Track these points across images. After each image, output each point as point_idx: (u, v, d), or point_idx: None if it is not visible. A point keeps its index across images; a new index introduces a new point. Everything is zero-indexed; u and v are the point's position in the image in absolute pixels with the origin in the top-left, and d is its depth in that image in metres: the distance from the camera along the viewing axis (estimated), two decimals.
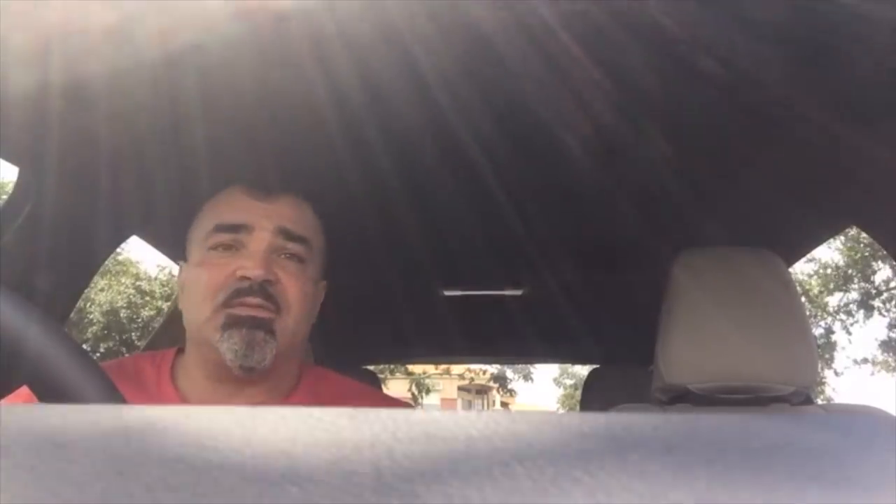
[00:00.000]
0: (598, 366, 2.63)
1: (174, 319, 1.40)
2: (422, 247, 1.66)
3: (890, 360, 13.39)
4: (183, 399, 0.86)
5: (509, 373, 23.15)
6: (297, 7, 0.77)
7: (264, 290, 0.81)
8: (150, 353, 0.94)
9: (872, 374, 13.94)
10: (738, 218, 1.51)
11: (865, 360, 13.64)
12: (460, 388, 24.30)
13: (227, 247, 0.84)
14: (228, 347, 0.80)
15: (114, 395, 0.47)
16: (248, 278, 0.80)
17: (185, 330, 0.88)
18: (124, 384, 0.50)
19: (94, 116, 0.97)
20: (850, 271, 12.56)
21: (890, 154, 1.07)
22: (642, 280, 1.85)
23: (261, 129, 1.09)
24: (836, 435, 0.28)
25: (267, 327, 0.80)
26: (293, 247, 0.85)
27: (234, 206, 0.87)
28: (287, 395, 0.89)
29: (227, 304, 0.80)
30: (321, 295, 0.94)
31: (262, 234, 0.84)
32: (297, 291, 0.83)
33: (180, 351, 0.91)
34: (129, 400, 0.49)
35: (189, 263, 0.89)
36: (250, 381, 0.85)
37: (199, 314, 0.83)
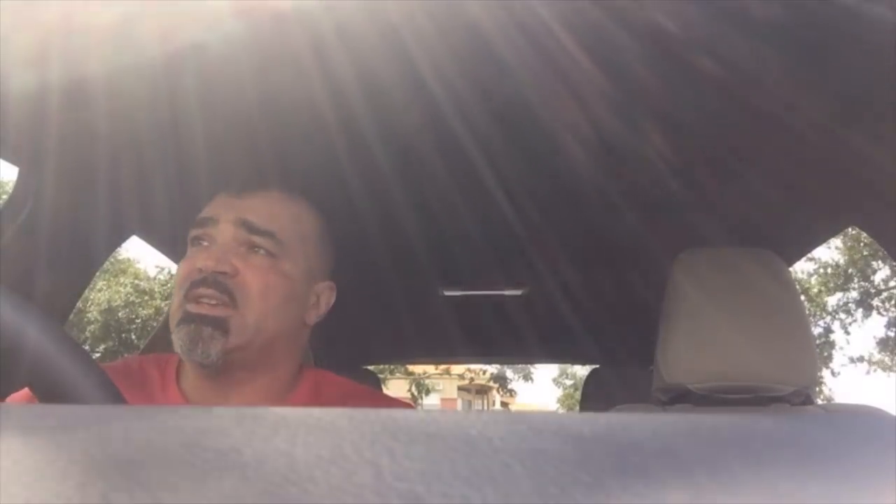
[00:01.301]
0: (598, 366, 2.63)
1: None
2: (422, 247, 1.66)
3: (886, 358, 13.38)
4: (188, 402, 0.86)
5: (509, 373, 23.17)
6: (296, 7, 0.77)
7: (218, 282, 0.81)
8: (154, 355, 0.94)
9: (868, 372, 13.93)
10: (738, 218, 1.51)
11: (861, 359, 13.63)
12: (460, 388, 24.29)
13: (199, 241, 0.86)
14: (176, 342, 0.81)
15: (114, 395, 0.47)
16: (203, 271, 0.81)
17: None
18: (128, 386, 0.50)
19: (94, 116, 0.97)
20: (850, 270, 12.56)
21: (890, 154, 1.07)
22: (642, 280, 1.85)
23: (261, 129, 1.09)
24: (836, 435, 0.28)
25: (217, 324, 0.80)
26: (258, 240, 0.85)
27: (211, 205, 0.89)
28: (286, 397, 0.89)
29: (186, 297, 0.82)
30: (326, 297, 0.93)
31: (224, 227, 0.85)
32: (259, 285, 0.83)
33: None
34: (132, 402, 0.49)
35: None
36: (236, 381, 0.85)
37: (171, 309, 0.85)
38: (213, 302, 0.81)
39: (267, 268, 0.84)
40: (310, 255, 0.90)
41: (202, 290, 0.81)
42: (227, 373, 0.84)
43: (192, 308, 0.81)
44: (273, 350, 0.87)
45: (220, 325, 0.80)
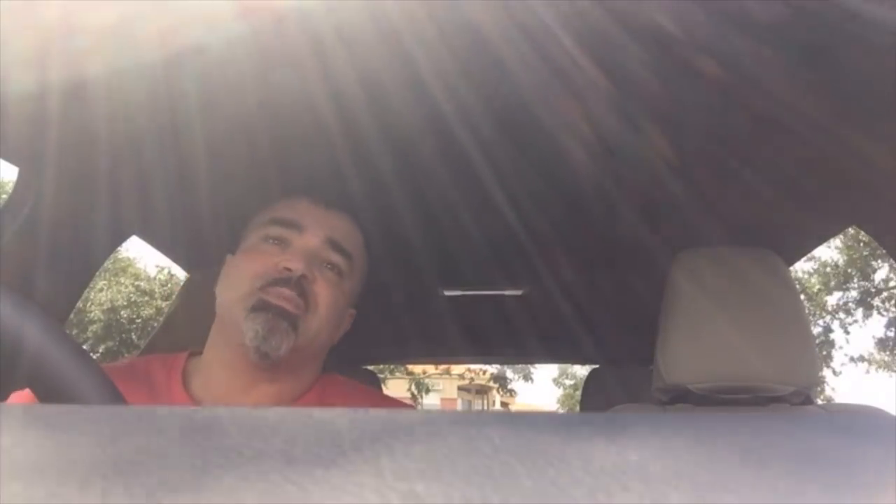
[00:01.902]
0: (598, 366, 2.63)
1: (174, 320, 1.40)
2: (422, 247, 1.66)
3: (887, 358, 13.36)
4: (194, 403, 0.86)
5: (509, 373, 23.15)
6: (296, 7, 0.77)
7: (300, 285, 0.84)
8: (160, 355, 0.94)
9: (868, 372, 13.92)
10: (738, 218, 1.51)
11: (862, 359, 13.62)
12: (460, 388, 24.29)
13: (278, 240, 0.88)
14: (250, 327, 0.82)
15: (114, 396, 0.47)
16: (290, 270, 0.84)
17: (185, 332, 0.88)
18: (133, 386, 0.50)
19: (94, 116, 0.97)
20: (849, 270, 12.56)
21: (890, 154, 1.07)
22: (642, 280, 1.85)
23: (260, 130, 1.09)
24: (836, 435, 0.28)
25: (291, 320, 0.83)
26: (337, 258, 0.89)
27: (293, 208, 0.91)
28: (296, 400, 0.90)
29: (262, 289, 0.83)
30: (348, 322, 0.96)
31: (311, 238, 0.88)
32: (329, 298, 0.86)
33: (192, 355, 0.91)
34: (137, 403, 0.49)
35: (238, 251, 0.92)
36: (265, 378, 0.85)
37: (233, 293, 0.85)
38: (292, 301, 0.83)
39: (335, 284, 0.88)
40: (360, 281, 0.95)
41: (285, 290, 0.83)
42: (274, 370, 0.85)
43: (271, 298, 0.83)
44: (312, 360, 0.91)
45: (294, 323, 0.83)
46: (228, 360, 0.86)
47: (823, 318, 13.17)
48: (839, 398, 13.41)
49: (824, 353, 13.20)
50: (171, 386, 0.87)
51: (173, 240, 1.48)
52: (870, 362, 13.55)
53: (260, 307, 0.82)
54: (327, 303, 0.86)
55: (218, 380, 0.87)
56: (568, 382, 24.71)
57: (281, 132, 1.11)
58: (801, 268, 12.75)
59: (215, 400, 0.86)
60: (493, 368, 22.07)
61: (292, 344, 0.82)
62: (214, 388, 0.87)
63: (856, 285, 12.81)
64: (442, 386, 23.66)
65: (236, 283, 0.86)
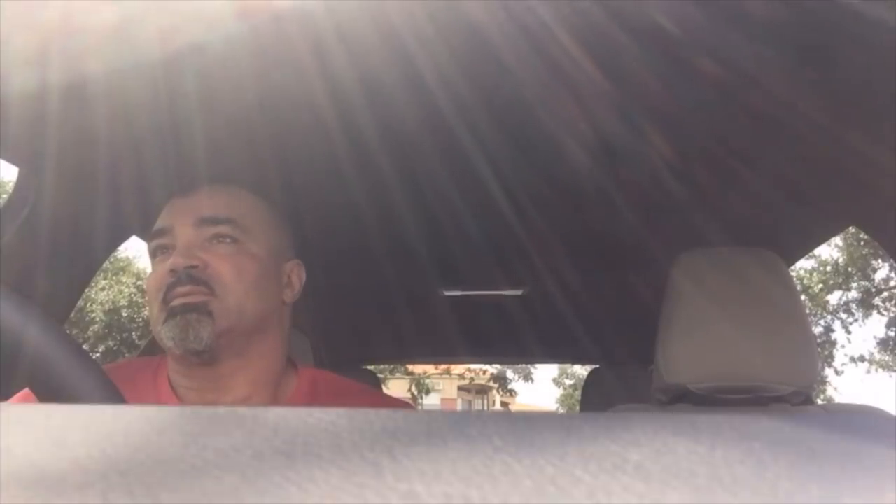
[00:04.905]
0: (598, 366, 2.63)
1: None
2: (422, 247, 1.66)
3: (888, 358, 13.35)
4: (182, 403, 0.86)
5: (509, 373, 23.17)
6: (296, 7, 0.77)
7: (191, 276, 0.84)
8: (146, 358, 0.95)
9: (868, 372, 13.93)
10: (738, 218, 1.51)
11: (862, 359, 13.61)
12: (460, 388, 24.29)
13: (163, 250, 0.88)
14: (168, 337, 0.83)
15: (114, 395, 0.47)
16: (174, 271, 0.84)
17: None
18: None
19: (95, 116, 0.97)
20: (850, 269, 12.56)
21: (890, 154, 1.07)
22: (642, 280, 1.85)
23: (261, 129, 1.09)
24: (836, 435, 0.28)
25: (200, 308, 0.83)
26: (221, 229, 0.87)
27: (164, 215, 0.91)
28: (284, 395, 0.90)
29: (165, 300, 0.84)
30: (297, 274, 0.94)
31: (182, 230, 0.88)
32: (231, 270, 0.85)
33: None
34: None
35: None
36: (222, 371, 0.86)
37: (151, 318, 0.87)
38: (192, 293, 0.83)
39: (234, 253, 0.87)
40: (271, 235, 0.92)
41: (179, 289, 0.83)
42: (221, 361, 0.85)
43: (174, 303, 0.83)
44: (260, 332, 0.88)
45: (203, 310, 0.83)
46: (181, 368, 0.87)
47: (824, 317, 13.17)
48: (840, 399, 13.41)
49: (826, 352, 13.19)
50: (158, 387, 0.88)
51: None
52: (870, 362, 13.55)
53: (168, 316, 0.83)
54: (231, 274, 0.85)
55: (192, 384, 0.87)
56: (568, 382, 24.72)
57: (281, 132, 1.11)
58: (801, 266, 12.76)
59: (197, 400, 0.87)
60: (493, 368, 22.08)
61: (212, 328, 0.82)
62: (195, 390, 0.87)
63: (856, 285, 12.81)
64: (442, 386, 23.66)
65: (149, 306, 0.87)
